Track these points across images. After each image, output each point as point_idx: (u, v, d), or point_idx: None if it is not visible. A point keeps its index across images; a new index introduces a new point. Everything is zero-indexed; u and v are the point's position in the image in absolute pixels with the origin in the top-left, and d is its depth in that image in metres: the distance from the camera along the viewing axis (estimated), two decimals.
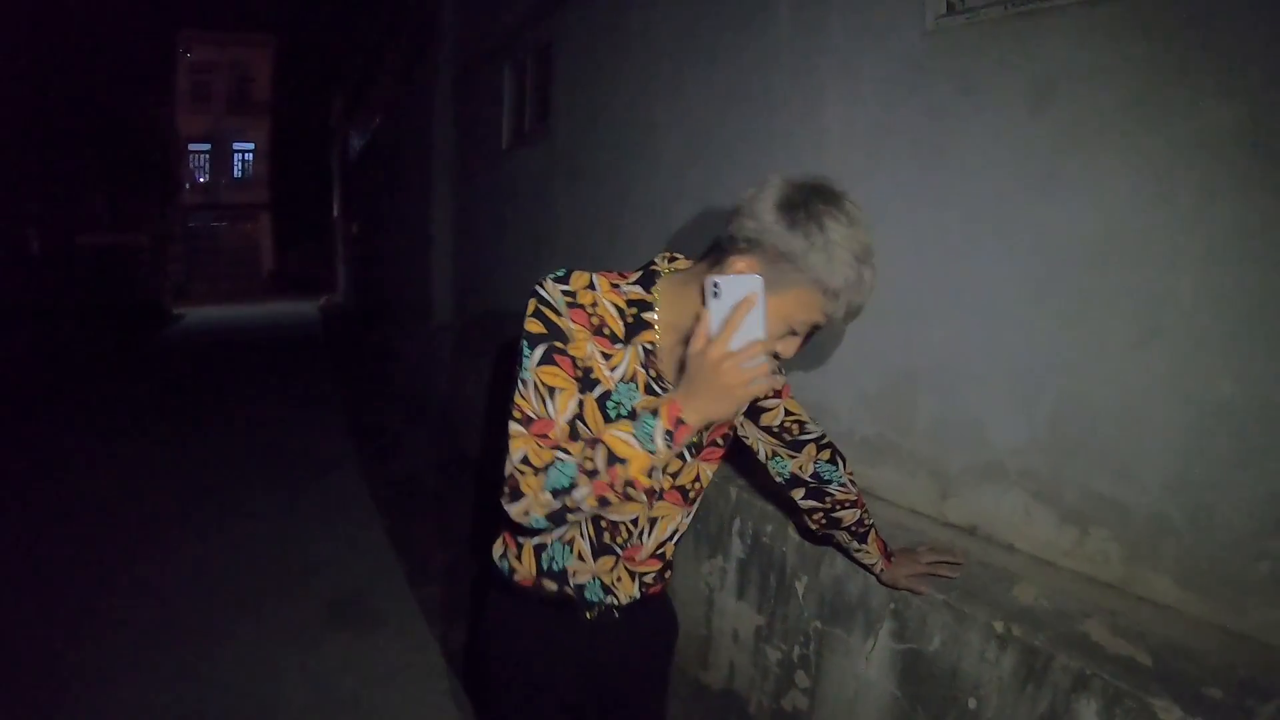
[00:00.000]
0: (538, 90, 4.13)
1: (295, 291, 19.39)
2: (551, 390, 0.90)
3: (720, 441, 1.09)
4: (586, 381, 0.94)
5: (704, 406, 0.80)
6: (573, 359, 0.92)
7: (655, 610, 1.21)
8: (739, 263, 0.86)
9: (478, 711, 2.05)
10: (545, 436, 0.88)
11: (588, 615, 1.10)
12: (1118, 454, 1.29)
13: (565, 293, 0.94)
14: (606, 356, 0.95)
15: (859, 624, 1.48)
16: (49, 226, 9.57)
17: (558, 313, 0.92)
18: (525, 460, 0.87)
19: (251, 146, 23.41)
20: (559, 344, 0.91)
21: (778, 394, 1.15)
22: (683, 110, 2.49)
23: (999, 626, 1.21)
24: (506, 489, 0.89)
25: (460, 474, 4.23)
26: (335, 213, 16.72)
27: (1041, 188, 1.38)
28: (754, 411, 1.16)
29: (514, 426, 0.90)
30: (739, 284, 0.78)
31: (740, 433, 1.19)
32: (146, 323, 12.00)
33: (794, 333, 0.89)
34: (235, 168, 23.58)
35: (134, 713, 2.19)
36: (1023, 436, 1.44)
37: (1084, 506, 1.35)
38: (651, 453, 0.83)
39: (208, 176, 23.24)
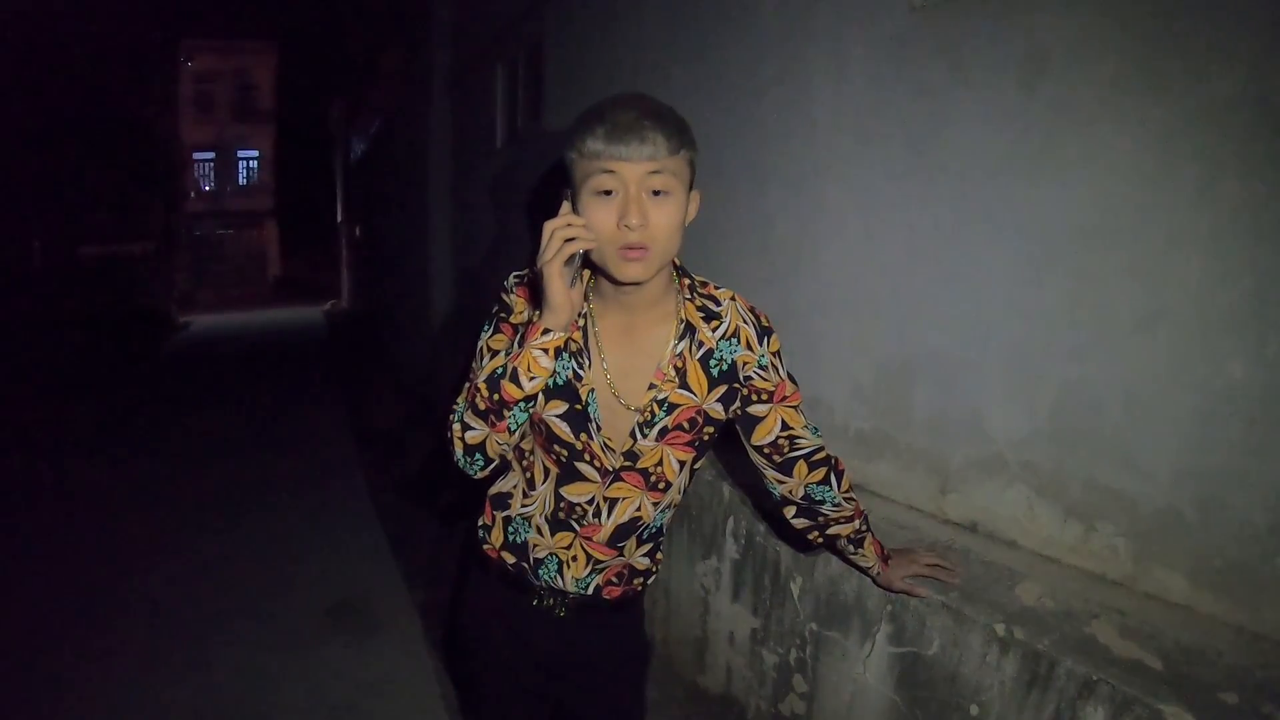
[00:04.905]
0: (530, 88, 4.09)
1: (301, 297, 19.37)
2: (494, 353, 1.01)
3: (686, 426, 1.03)
4: None
5: (544, 299, 0.90)
6: (514, 326, 1.04)
7: (614, 629, 1.17)
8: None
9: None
10: None
11: (535, 603, 1.13)
12: (1124, 444, 1.22)
13: (517, 276, 1.06)
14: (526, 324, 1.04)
15: (855, 627, 1.42)
16: (53, 237, 9.60)
17: (507, 292, 1.05)
18: (456, 405, 1.01)
19: (256, 153, 23.48)
20: (503, 314, 1.05)
21: (770, 397, 1.06)
22: (670, 101, 2.42)
23: (1000, 629, 1.15)
24: (447, 433, 1.02)
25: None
26: (339, 218, 16.74)
27: (1037, 166, 1.31)
28: (748, 422, 1.08)
29: (465, 386, 1.02)
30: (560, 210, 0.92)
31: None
32: (152, 332, 12.03)
33: (606, 192, 0.90)
34: (240, 175, 23.65)
35: (131, 718, 2.16)
36: (1024, 427, 1.37)
37: (1089, 500, 1.28)
38: (509, 354, 0.95)
39: (213, 184, 23.31)
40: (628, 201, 0.88)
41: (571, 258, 0.88)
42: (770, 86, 1.93)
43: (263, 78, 22.98)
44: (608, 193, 0.89)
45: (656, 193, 0.90)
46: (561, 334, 0.92)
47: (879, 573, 1.27)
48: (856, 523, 1.19)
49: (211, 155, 22.90)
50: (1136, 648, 1.08)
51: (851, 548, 1.23)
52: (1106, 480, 1.25)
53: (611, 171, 0.88)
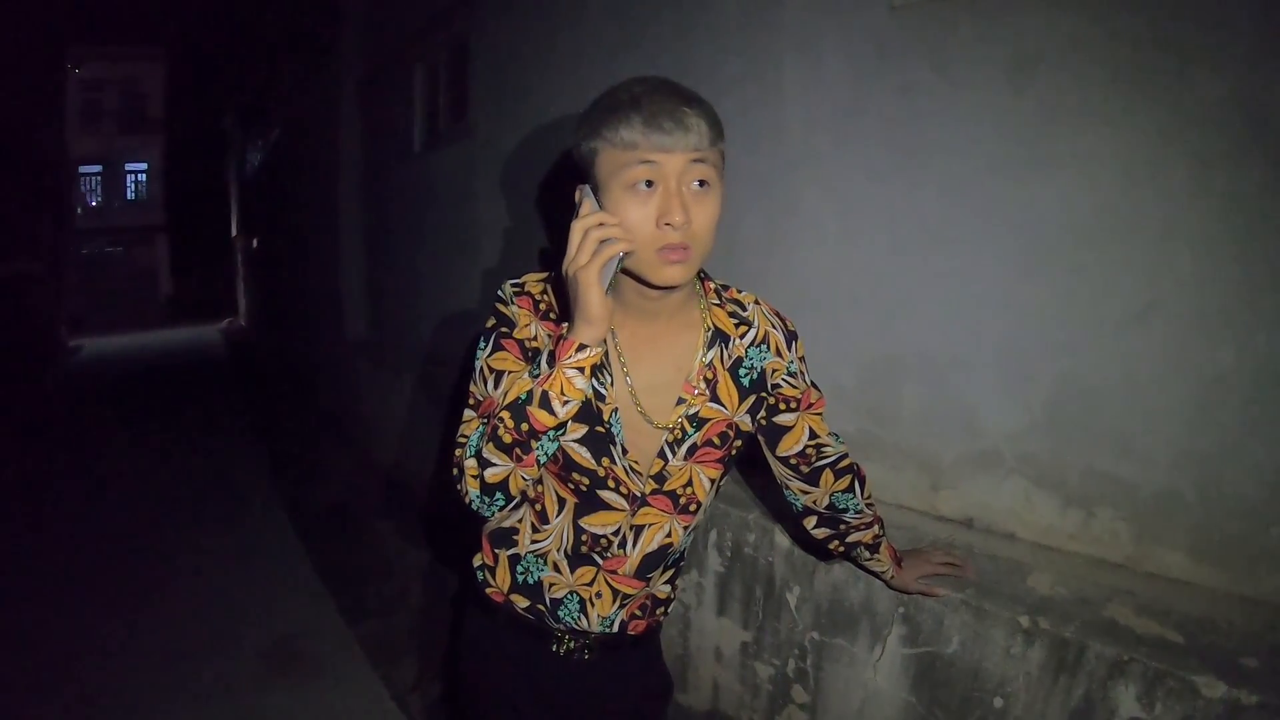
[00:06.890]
0: (452, 87, 3.90)
1: (195, 316, 18.08)
2: (498, 374, 0.91)
3: (716, 442, 0.98)
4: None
5: (577, 311, 0.81)
6: (519, 342, 0.93)
7: (637, 665, 1.11)
8: (576, 192, 0.87)
9: None
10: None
11: (555, 649, 1.04)
12: (1122, 432, 1.26)
13: (514, 285, 0.96)
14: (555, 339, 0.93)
15: (863, 632, 1.39)
16: None
17: (506, 304, 0.95)
18: (463, 435, 0.90)
19: (144, 166, 21.84)
20: (505, 329, 0.94)
21: (798, 405, 1.03)
22: None
23: (1025, 621, 1.15)
24: (454, 470, 0.90)
25: (386, 497, 3.96)
26: (234, 232, 15.77)
27: (1028, 164, 1.34)
28: (774, 432, 1.05)
29: (466, 413, 0.93)
30: (581, 207, 0.84)
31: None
32: (40, 358, 10.92)
33: (647, 184, 0.81)
34: (128, 189, 21.93)
35: None
36: (1019, 421, 1.39)
37: (1088, 487, 1.31)
38: (535, 376, 0.83)
39: (100, 199, 21.52)
40: (669, 196, 0.81)
41: (608, 262, 0.80)
42: (735, 85, 1.90)
43: (153, 87, 21.44)
44: (647, 185, 0.81)
45: (698, 185, 0.83)
46: (598, 350, 0.82)
47: (893, 576, 1.25)
48: (875, 528, 1.17)
49: (99, 169, 21.13)
50: (1156, 625, 1.10)
51: (868, 553, 1.20)
52: (1105, 467, 1.28)
53: (651, 163, 0.80)
